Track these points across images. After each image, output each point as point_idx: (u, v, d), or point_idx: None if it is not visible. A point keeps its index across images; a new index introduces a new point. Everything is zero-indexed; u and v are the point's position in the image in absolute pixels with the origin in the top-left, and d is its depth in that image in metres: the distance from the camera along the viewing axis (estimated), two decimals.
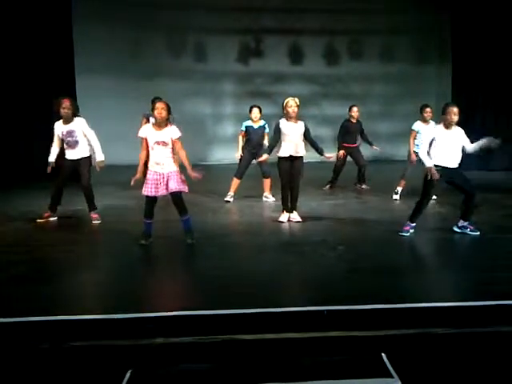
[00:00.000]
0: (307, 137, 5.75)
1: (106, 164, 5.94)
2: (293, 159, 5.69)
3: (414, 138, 7.03)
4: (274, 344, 3.07)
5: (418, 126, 7.06)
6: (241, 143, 7.07)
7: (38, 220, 5.90)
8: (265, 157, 5.89)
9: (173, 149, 4.81)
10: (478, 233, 5.08)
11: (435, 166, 4.96)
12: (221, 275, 4.04)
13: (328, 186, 8.03)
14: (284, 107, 5.68)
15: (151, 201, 4.87)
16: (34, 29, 8.66)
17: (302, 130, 5.70)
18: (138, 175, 4.87)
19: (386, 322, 3.23)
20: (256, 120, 6.96)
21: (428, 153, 5.01)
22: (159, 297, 3.76)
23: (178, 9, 11.05)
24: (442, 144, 4.98)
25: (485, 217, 5.78)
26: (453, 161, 5.02)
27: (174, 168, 4.82)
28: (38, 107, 8.78)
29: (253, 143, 6.94)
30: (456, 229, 5.17)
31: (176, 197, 4.86)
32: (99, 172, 5.91)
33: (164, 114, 4.71)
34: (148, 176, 4.82)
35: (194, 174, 4.78)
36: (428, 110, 7.02)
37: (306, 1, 11.31)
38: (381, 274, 4.04)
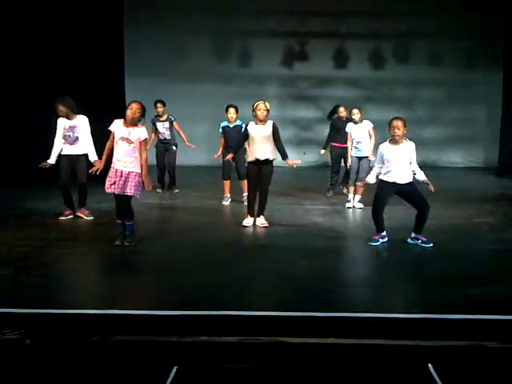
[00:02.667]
0: (275, 138, 5.58)
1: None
2: (261, 164, 5.56)
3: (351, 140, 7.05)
4: (319, 349, 3.06)
5: (349, 127, 7.08)
6: (221, 146, 7.14)
7: (60, 218, 6.02)
8: (229, 156, 6.02)
9: (138, 149, 4.76)
10: (431, 245, 4.94)
11: (384, 181, 4.91)
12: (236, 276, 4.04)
13: (329, 190, 7.77)
14: (253, 110, 5.61)
15: (116, 200, 4.82)
16: (86, 32, 8.93)
17: (270, 131, 5.56)
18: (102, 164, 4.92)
19: (434, 332, 3.17)
20: (232, 120, 7.00)
21: (379, 169, 4.98)
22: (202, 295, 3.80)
23: (223, 13, 11.17)
24: (389, 160, 4.89)
25: None
26: (402, 177, 4.90)
27: (136, 169, 4.77)
28: (89, 109, 9.04)
29: (229, 142, 6.92)
30: (409, 240, 5.06)
31: (125, 199, 4.81)
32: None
33: (137, 115, 4.77)
34: (110, 173, 4.79)
35: (147, 180, 4.81)
36: (354, 111, 6.99)
37: (351, 4, 11.19)
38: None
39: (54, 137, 6.05)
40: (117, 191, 4.77)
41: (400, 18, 11.36)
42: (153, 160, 7.96)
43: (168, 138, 8.00)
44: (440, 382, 2.81)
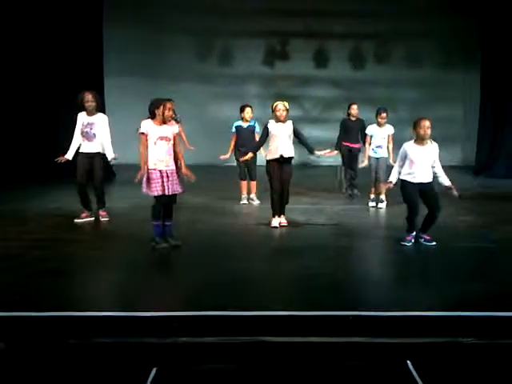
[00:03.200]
0: (297, 135, 5.66)
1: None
2: (282, 162, 5.59)
3: (370, 143, 7.01)
4: (299, 347, 3.06)
5: (371, 129, 7.03)
6: (232, 145, 7.10)
7: (76, 220, 5.87)
8: (249, 155, 5.91)
9: (174, 145, 4.79)
10: (434, 243, 4.96)
11: (407, 181, 4.88)
12: (239, 275, 4.06)
13: (349, 189, 7.70)
14: (273, 111, 5.64)
15: (160, 202, 4.74)
16: (65, 30, 8.82)
17: (291, 129, 5.63)
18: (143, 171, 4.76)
19: (412, 330, 3.20)
20: (249, 119, 7.00)
21: (400, 168, 4.95)
22: (179, 296, 3.78)
23: (204, 12, 11.12)
24: (414, 161, 4.86)
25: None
26: (424, 177, 4.89)
27: (175, 166, 4.79)
28: (67, 107, 8.93)
29: (243, 142, 6.93)
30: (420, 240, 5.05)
31: (175, 199, 4.83)
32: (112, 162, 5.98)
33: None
34: (154, 176, 4.68)
35: (189, 172, 4.82)
36: (383, 115, 6.90)
37: (332, 4, 11.26)
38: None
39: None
40: (169, 192, 4.72)
41: (380, 19, 11.45)
42: None
43: None
44: (418, 379, 2.84)
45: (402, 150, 5.02)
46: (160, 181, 4.69)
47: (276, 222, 5.72)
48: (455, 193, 4.97)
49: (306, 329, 3.17)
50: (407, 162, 4.92)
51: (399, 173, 5.01)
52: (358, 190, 7.56)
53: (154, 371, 2.89)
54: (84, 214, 5.95)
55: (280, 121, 5.61)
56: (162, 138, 4.73)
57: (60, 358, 3.07)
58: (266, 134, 5.65)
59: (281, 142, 5.57)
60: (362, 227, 5.91)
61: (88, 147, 5.90)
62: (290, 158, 5.65)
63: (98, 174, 5.93)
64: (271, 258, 4.81)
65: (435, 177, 4.98)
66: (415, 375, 2.86)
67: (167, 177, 4.71)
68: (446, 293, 3.78)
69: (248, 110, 7.03)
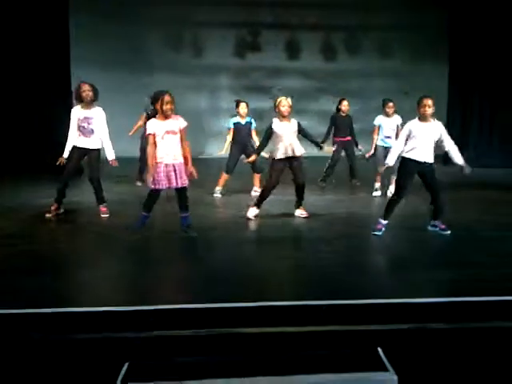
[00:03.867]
0: (303, 133, 5.69)
1: (103, 156, 5.88)
2: (291, 159, 5.58)
3: (377, 134, 7.07)
4: (272, 338, 3.08)
5: (379, 120, 7.09)
6: (228, 140, 7.03)
7: (47, 215, 5.68)
8: (252, 158, 5.94)
9: (181, 139, 4.77)
10: (449, 232, 5.01)
11: (409, 159, 4.86)
12: (216, 268, 4.07)
13: (322, 182, 7.82)
14: (276, 106, 5.56)
15: (157, 195, 4.82)
16: (29, 18, 8.57)
17: (296, 128, 5.60)
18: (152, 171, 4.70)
19: (382, 317, 3.25)
20: (245, 115, 6.94)
21: (400, 148, 4.92)
22: (155, 290, 3.76)
23: (174, 3, 10.98)
24: (417, 137, 4.85)
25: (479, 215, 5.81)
26: (427, 155, 4.89)
27: (182, 159, 4.76)
28: (33, 99, 8.72)
29: (241, 139, 6.90)
30: (429, 228, 5.12)
31: (184, 191, 4.83)
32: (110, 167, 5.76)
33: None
34: (158, 169, 4.67)
35: (195, 169, 4.79)
36: (390, 104, 7.02)
37: None
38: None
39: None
40: (177, 184, 4.71)
41: (351, 11, 11.54)
42: (135, 152, 7.79)
43: None
44: (389, 365, 2.89)
45: (404, 128, 4.99)
46: (164, 175, 4.67)
47: (252, 212, 5.66)
48: (467, 170, 4.97)
49: (280, 319, 3.19)
50: (410, 140, 4.88)
51: (399, 154, 4.94)
52: (357, 180, 7.62)
53: (125, 366, 2.86)
54: (53, 207, 5.74)
55: (284, 118, 5.53)
56: (168, 132, 4.68)
57: (31, 355, 3.01)
58: (269, 134, 5.54)
59: (288, 141, 5.51)
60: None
61: (85, 142, 5.57)
62: (299, 156, 5.59)
63: (95, 168, 5.65)
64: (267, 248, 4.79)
65: (445, 156, 4.99)
66: (385, 361, 2.91)
67: (174, 170, 4.69)
68: (414, 279, 3.87)
69: (243, 105, 6.95)
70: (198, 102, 11.69)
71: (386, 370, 2.84)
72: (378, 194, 6.98)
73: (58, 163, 5.63)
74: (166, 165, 4.68)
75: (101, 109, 5.67)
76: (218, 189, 7.05)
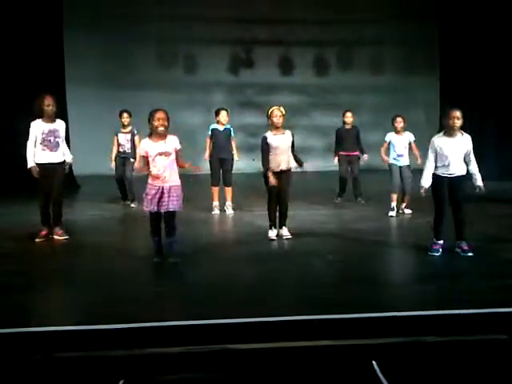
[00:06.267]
0: (292, 146, 5.45)
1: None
2: (282, 172, 5.36)
3: (387, 149, 6.81)
4: (266, 353, 3.07)
5: (390, 136, 6.79)
6: (208, 148, 7.02)
7: (37, 239, 5.44)
8: (271, 177, 5.32)
9: (175, 161, 4.57)
10: (471, 254, 4.68)
11: (440, 176, 4.66)
12: (210, 285, 4.06)
13: (339, 199, 7.67)
14: (269, 117, 5.35)
15: (154, 217, 4.63)
16: (24, 38, 8.62)
17: (290, 140, 5.43)
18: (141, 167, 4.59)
19: (376, 331, 3.25)
20: (225, 123, 6.95)
21: (432, 167, 4.68)
22: (149, 308, 3.74)
23: (167, 20, 11.12)
24: (445, 154, 4.60)
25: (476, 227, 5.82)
26: (458, 169, 4.63)
27: (176, 182, 4.58)
28: (28, 117, 8.73)
29: (219, 147, 6.89)
30: (456, 249, 4.76)
31: (172, 215, 4.62)
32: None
33: (168, 125, 4.53)
34: (148, 190, 4.55)
35: (193, 167, 4.77)
36: (399, 119, 6.68)
37: (296, 12, 11.46)
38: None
39: None
40: (163, 209, 4.52)
41: (342, 26, 11.72)
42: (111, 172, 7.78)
43: (128, 150, 7.52)
44: (383, 379, 2.89)
45: (431, 144, 4.69)
46: (154, 197, 4.52)
47: (273, 233, 5.47)
48: (482, 190, 4.71)
49: (272, 335, 3.18)
50: (439, 157, 4.62)
51: (432, 173, 4.68)
52: (362, 198, 7.47)
53: (121, 383, 2.85)
54: (43, 233, 5.51)
55: (277, 129, 5.34)
56: (161, 154, 4.51)
57: (24, 374, 2.99)
58: (267, 148, 5.33)
59: (281, 155, 5.32)
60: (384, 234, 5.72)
61: (50, 157, 5.36)
62: (289, 169, 5.44)
63: (59, 186, 5.43)
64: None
65: (469, 175, 4.66)
66: (380, 375, 2.91)
67: (162, 193, 4.49)
68: (402, 292, 3.89)
69: (223, 113, 6.94)
70: (192, 118, 11.75)
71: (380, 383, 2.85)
72: (393, 213, 6.59)
73: (35, 175, 5.35)
74: (158, 187, 4.52)
75: (62, 121, 5.55)
76: (215, 204, 6.95)
